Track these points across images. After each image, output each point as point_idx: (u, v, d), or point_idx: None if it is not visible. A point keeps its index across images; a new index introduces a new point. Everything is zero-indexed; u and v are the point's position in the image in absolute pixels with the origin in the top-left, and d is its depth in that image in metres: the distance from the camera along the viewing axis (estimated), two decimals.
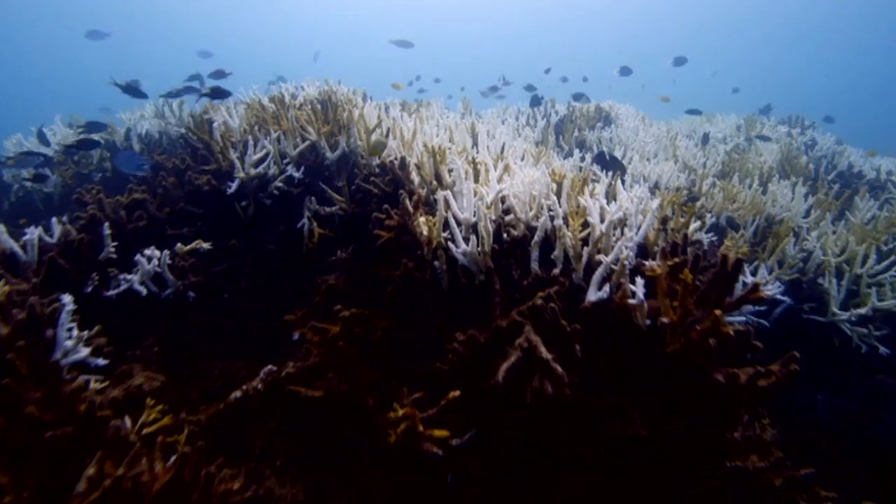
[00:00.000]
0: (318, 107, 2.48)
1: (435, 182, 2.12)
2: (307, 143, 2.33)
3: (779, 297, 2.24)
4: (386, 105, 3.54)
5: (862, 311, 2.30)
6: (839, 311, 2.38)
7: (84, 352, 1.40)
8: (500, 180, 1.88)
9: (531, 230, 1.74)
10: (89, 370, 1.44)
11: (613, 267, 1.49)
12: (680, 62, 4.98)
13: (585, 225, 1.69)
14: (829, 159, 3.67)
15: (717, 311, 1.18)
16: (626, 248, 1.54)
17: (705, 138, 3.66)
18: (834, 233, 2.66)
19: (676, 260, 1.34)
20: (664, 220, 1.74)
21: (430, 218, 1.72)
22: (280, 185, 2.34)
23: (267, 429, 1.69)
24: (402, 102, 3.55)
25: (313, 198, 2.33)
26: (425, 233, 1.71)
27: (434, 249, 1.71)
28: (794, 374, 1.21)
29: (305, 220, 2.31)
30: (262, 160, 2.31)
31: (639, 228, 1.67)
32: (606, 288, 1.42)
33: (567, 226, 1.65)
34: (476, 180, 2.04)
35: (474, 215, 1.71)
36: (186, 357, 2.00)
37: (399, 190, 2.22)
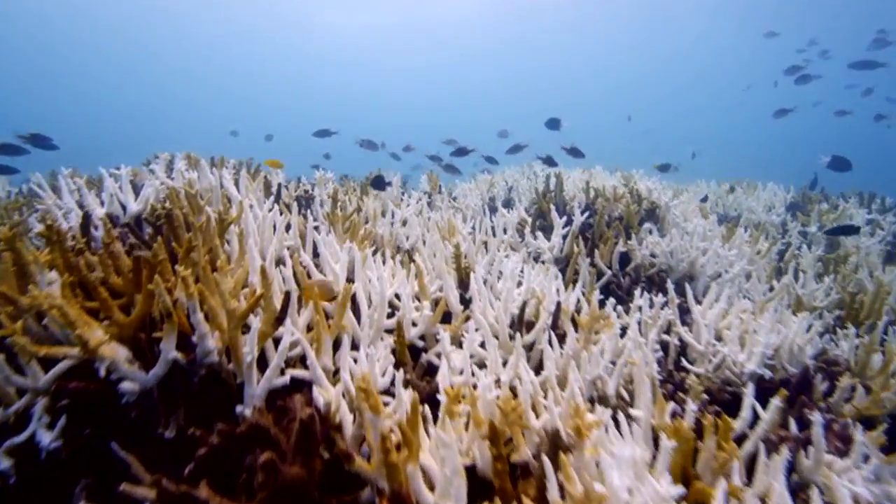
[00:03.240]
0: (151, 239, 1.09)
1: None
2: (67, 362, 0.93)
3: None
4: (307, 195, 2.12)
5: None
6: None
7: None
8: None
9: None
10: None
11: None
12: (554, 125, 4.22)
13: None
14: None
15: None
16: None
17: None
18: None
19: None
20: None
21: None
22: (6, 465, 0.93)
23: None
24: (334, 194, 2.09)
25: (84, 491, 0.93)
26: None
27: None
28: None
29: None
30: None
31: None
32: None
33: None
34: None
35: None
36: None
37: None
